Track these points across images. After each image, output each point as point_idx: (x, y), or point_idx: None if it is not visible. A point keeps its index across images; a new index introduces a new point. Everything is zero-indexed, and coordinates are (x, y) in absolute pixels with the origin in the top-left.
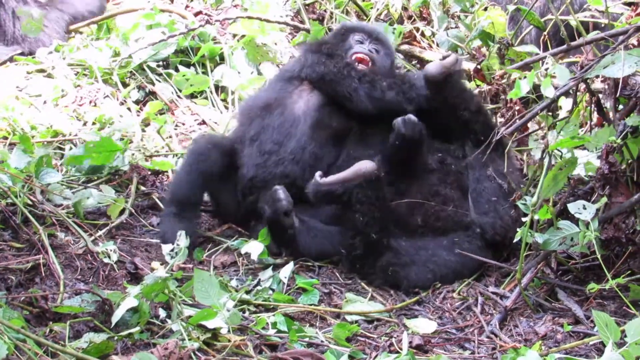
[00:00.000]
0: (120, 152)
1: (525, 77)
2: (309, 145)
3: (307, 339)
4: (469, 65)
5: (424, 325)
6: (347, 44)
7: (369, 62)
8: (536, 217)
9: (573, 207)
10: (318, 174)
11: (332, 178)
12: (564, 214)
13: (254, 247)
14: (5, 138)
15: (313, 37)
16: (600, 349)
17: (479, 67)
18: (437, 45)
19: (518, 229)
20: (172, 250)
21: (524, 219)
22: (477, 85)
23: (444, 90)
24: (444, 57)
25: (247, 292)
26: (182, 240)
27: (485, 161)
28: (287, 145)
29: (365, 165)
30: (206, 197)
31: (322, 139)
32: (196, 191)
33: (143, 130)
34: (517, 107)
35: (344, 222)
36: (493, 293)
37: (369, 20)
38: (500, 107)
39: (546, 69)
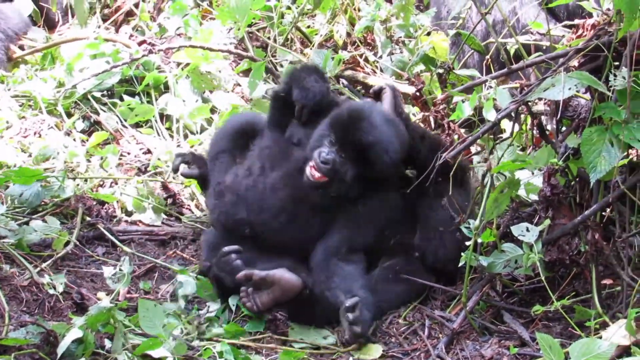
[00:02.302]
0: (40, 178)
1: (467, 100)
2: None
3: None
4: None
5: (370, 350)
6: (318, 138)
7: (324, 177)
8: (479, 240)
9: (516, 230)
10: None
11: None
12: (509, 236)
13: (188, 283)
14: None
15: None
16: None
17: (417, 93)
18: (381, 70)
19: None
20: (114, 274)
21: (467, 243)
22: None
23: None
24: None
25: (193, 321)
26: (125, 265)
27: (440, 190)
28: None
29: (289, 282)
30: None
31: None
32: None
33: (88, 161)
34: (458, 131)
35: None
36: (439, 316)
37: (312, 46)
38: (440, 132)
39: (488, 92)
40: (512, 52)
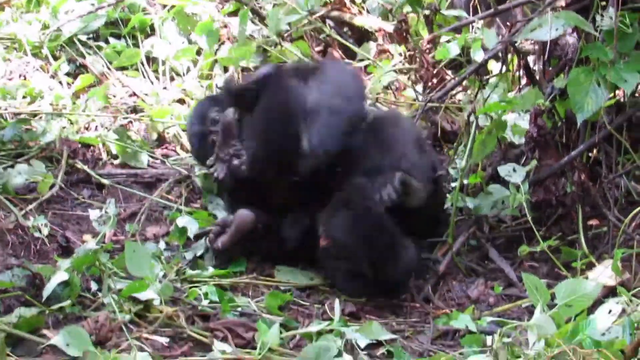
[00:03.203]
0: None
1: (454, 38)
2: None
3: (239, 309)
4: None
5: None
6: None
7: None
8: (466, 181)
9: (503, 171)
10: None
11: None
12: (495, 179)
13: (190, 224)
14: None
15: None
16: (532, 311)
17: (399, 25)
18: (368, 11)
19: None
20: (100, 217)
21: (453, 184)
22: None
23: None
24: None
25: (179, 263)
26: (111, 208)
27: None
28: None
29: (242, 218)
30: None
31: None
32: None
33: (74, 103)
34: (438, 71)
35: None
36: (425, 258)
37: None
38: (419, 69)
39: (475, 33)
40: None
